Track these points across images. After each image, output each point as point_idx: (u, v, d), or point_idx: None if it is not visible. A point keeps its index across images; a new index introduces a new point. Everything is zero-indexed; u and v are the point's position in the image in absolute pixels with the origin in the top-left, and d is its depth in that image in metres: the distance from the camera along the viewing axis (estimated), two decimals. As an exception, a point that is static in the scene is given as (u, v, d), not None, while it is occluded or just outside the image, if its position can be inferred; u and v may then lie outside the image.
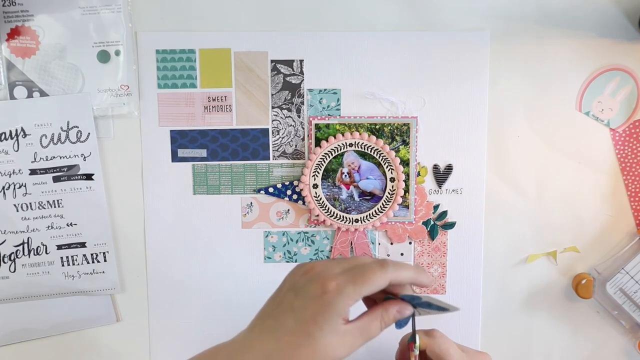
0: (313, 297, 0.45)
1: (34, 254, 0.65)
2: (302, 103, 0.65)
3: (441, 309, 0.48)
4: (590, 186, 0.66)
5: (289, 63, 0.65)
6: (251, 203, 0.67)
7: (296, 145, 0.66)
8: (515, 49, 0.64)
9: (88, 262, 0.66)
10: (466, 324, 0.68)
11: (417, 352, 0.50)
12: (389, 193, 0.65)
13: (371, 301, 0.50)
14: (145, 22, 0.64)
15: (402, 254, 0.67)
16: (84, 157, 0.64)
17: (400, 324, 0.48)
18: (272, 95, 0.65)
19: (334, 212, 0.66)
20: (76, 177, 0.65)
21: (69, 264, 0.66)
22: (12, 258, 0.65)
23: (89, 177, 0.65)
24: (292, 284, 0.47)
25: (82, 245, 0.66)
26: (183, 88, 0.65)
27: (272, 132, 0.66)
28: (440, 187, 0.66)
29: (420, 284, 0.48)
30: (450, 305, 0.47)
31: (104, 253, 0.66)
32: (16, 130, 0.64)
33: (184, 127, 0.66)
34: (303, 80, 0.65)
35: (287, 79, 0.65)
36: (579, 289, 0.66)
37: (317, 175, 0.65)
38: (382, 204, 0.66)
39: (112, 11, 0.63)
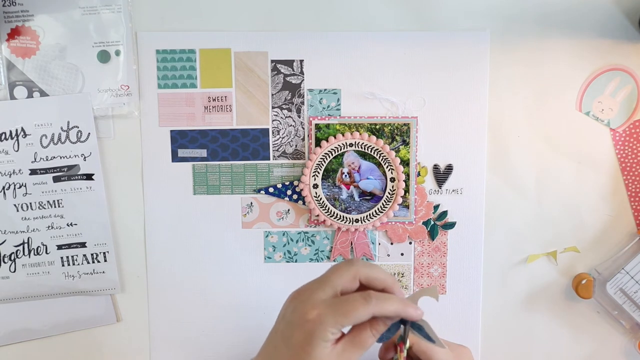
0: (297, 326, 0.46)
1: (34, 254, 0.65)
2: (302, 103, 0.65)
3: (429, 338, 0.48)
4: (590, 186, 0.66)
5: (289, 63, 0.65)
6: (251, 203, 0.67)
7: (296, 145, 0.66)
8: (515, 49, 0.65)
9: (88, 262, 0.66)
10: (466, 324, 0.68)
11: (405, 353, 0.50)
12: (389, 193, 0.65)
13: None
14: (145, 22, 0.64)
15: (402, 254, 0.67)
16: (84, 157, 0.64)
17: (384, 337, 0.48)
18: (272, 95, 0.65)
19: (334, 212, 0.66)
20: (76, 177, 0.65)
21: (69, 264, 0.66)
22: (12, 258, 0.65)
23: (89, 177, 0.65)
24: (284, 311, 0.49)
25: (82, 245, 0.66)
26: (183, 88, 0.65)
27: (272, 132, 0.66)
28: (440, 187, 0.66)
29: (407, 317, 0.48)
30: (439, 340, 0.48)
31: (104, 253, 0.66)
32: (16, 130, 0.64)
33: (184, 127, 0.66)
34: (303, 80, 0.65)
35: (287, 79, 0.65)
36: (579, 289, 0.66)
37: (317, 175, 0.65)
38: (382, 204, 0.66)
39: (112, 11, 0.63)
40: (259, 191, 0.66)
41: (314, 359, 0.45)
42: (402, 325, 0.49)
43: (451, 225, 0.67)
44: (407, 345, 0.50)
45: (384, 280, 0.48)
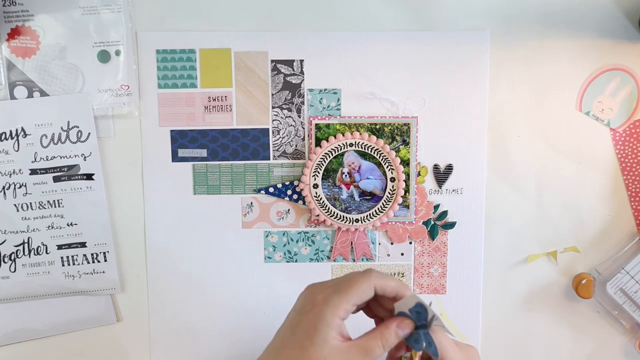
0: (305, 312, 0.47)
1: (34, 254, 0.65)
2: (303, 103, 0.65)
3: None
4: (590, 186, 0.66)
5: (289, 63, 0.65)
6: (251, 203, 0.67)
7: (296, 145, 0.66)
8: (516, 49, 0.65)
9: (88, 262, 0.66)
10: (466, 324, 0.68)
11: (421, 352, 0.50)
12: (389, 193, 0.66)
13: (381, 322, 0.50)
14: (145, 22, 0.64)
15: (402, 254, 0.67)
16: (84, 157, 0.64)
17: (415, 345, 0.48)
18: (272, 95, 0.65)
19: (334, 212, 0.66)
20: (76, 177, 0.65)
21: (69, 264, 0.66)
22: (12, 258, 0.65)
23: (89, 177, 0.65)
24: (296, 303, 0.50)
25: (82, 245, 0.66)
26: (183, 88, 0.65)
27: (273, 132, 0.66)
28: (440, 187, 0.66)
29: (402, 298, 0.48)
30: (448, 329, 0.48)
31: (104, 253, 0.66)
32: (16, 130, 0.64)
33: (184, 127, 0.66)
34: (303, 80, 0.65)
35: (287, 79, 0.65)
36: (579, 289, 0.66)
37: (317, 175, 0.65)
38: (383, 203, 0.66)
39: (112, 11, 0.63)
40: (259, 191, 0.66)
41: (317, 345, 0.45)
42: (421, 331, 0.48)
43: (451, 225, 0.67)
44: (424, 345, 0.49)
45: (393, 289, 0.48)
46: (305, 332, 0.46)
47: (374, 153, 0.65)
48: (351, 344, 0.46)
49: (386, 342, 0.47)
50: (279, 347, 0.48)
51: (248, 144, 0.66)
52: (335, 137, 0.65)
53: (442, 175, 0.66)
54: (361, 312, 0.51)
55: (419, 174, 0.66)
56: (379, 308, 0.51)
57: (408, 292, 0.48)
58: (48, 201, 0.65)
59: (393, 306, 0.48)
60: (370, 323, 0.51)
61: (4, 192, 0.64)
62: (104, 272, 0.66)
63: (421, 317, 0.48)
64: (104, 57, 0.64)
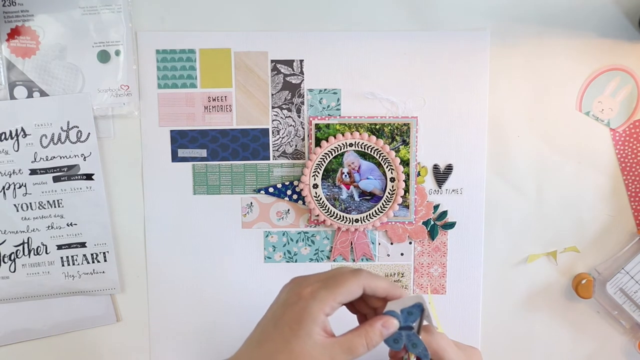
0: (290, 304, 0.47)
1: (34, 254, 0.65)
2: (302, 103, 0.65)
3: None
4: (590, 186, 0.66)
5: (289, 63, 0.65)
6: (251, 203, 0.67)
7: (296, 145, 0.66)
8: (516, 49, 0.65)
9: (88, 262, 0.66)
10: (466, 324, 0.68)
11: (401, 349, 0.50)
12: (389, 193, 0.65)
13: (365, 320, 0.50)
14: (145, 22, 0.64)
15: (402, 254, 0.67)
16: (84, 157, 0.64)
17: (393, 344, 0.48)
18: (272, 95, 0.65)
19: (334, 212, 0.66)
20: (76, 177, 0.65)
21: (69, 264, 0.66)
22: (12, 258, 0.65)
23: (89, 177, 0.65)
24: (279, 295, 0.49)
25: (82, 245, 0.66)
26: (183, 88, 0.65)
27: (272, 132, 0.66)
28: (440, 187, 0.66)
29: (393, 298, 0.48)
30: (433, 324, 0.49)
31: (104, 253, 0.66)
32: (16, 130, 0.64)
33: (184, 127, 0.66)
34: (303, 80, 0.65)
35: (287, 79, 0.65)
36: (579, 289, 0.66)
37: (317, 175, 0.65)
38: (382, 204, 0.66)
39: (112, 11, 0.63)
40: (259, 191, 0.66)
41: (300, 339, 0.45)
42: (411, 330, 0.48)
43: (451, 225, 0.67)
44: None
45: (383, 289, 0.48)
46: (289, 325, 0.45)
47: (374, 153, 0.65)
48: (335, 340, 0.46)
49: (370, 341, 0.46)
50: (260, 340, 0.47)
51: (248, 144, 0.66)
52: (335, 137, 0.65)
53: (442, 175, 0.66)
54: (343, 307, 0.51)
55: (418, 174, 0.66)
56: (362, 305, 0.50)
57: (399, 292, 0.48)
58: (48, 201, 0.65)
59: (382, 305, 0.48)
60: (353, 320, 0.51)
61: (4, 192, 0.64)
62: (103, 272, 0.66)
63: (410, 319, 0.48)
64: (104, 57, 0.64)
